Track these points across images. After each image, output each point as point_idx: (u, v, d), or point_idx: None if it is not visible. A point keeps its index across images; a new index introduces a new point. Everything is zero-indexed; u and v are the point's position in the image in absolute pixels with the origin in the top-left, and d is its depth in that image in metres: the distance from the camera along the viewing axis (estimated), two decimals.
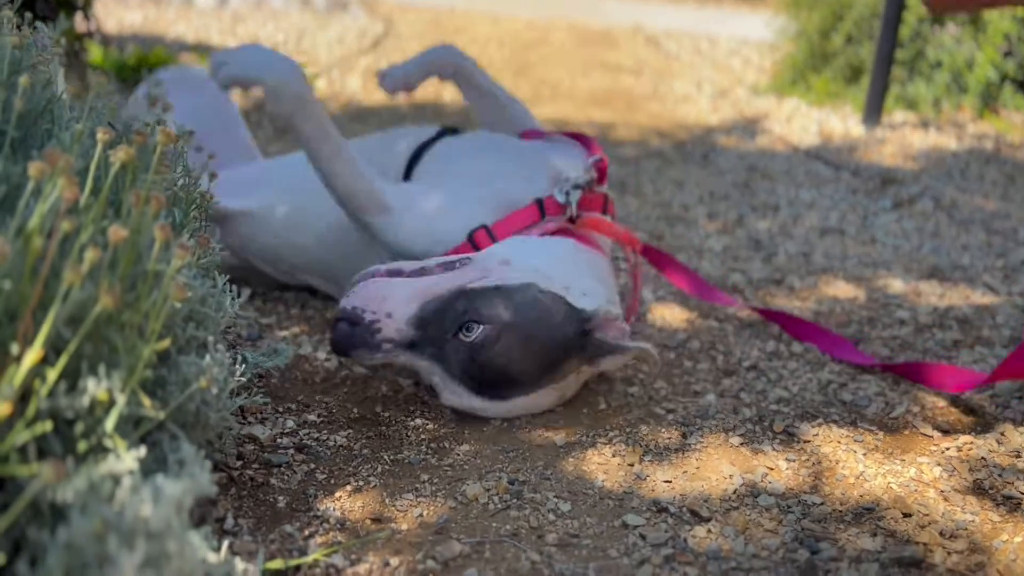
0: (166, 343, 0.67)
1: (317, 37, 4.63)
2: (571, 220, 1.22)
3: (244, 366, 0.86)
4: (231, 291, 0.88)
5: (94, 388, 0.62)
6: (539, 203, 1.22)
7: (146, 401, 0.64)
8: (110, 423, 0.62)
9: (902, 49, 3.39)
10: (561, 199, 1.22)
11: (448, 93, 3.42)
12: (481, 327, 1.03)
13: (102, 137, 0.68)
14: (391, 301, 1.04)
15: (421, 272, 1.10)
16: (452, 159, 1.31)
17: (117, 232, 0.61)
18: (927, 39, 3.41)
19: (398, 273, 1.09)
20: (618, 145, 2.76)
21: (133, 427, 0.69)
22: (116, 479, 0.59)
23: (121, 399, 0.63)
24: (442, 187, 1.25)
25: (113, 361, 0.65)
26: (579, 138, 1.36)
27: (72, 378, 0.65)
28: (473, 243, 1.19)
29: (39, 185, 0.63)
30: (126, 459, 0.61)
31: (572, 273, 1.13)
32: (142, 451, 0.63)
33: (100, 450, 0.64)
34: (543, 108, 3.20)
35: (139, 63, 2.97)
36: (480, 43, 4.91)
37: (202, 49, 3.87)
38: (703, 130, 3.07)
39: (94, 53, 2.83)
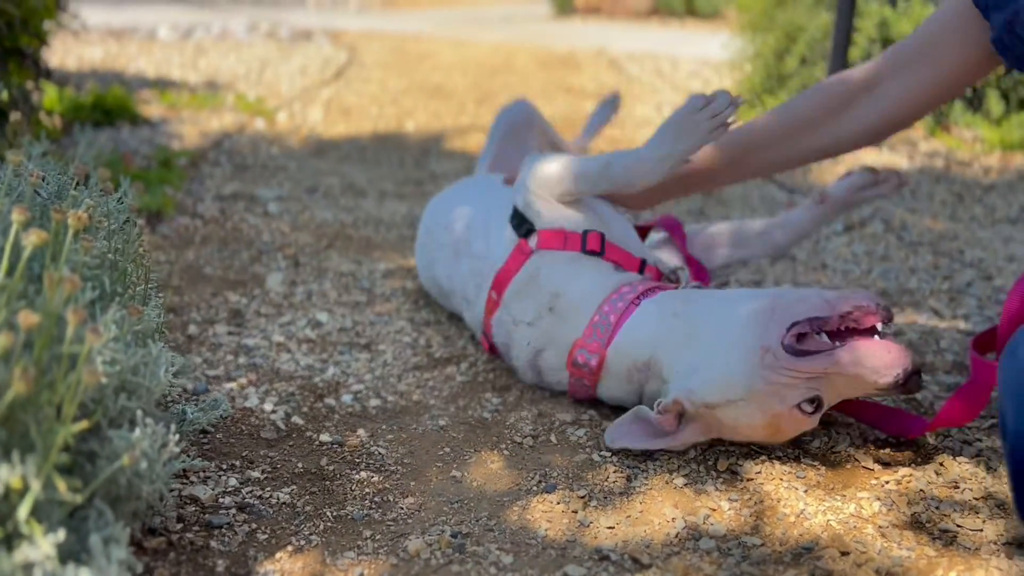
0: (84, 425, 0.67)
1: (280, 68, 4.64)
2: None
3: (179, 435, 0.86)
4: (168, 358, 0.88)
5: (7, 475, 0.61)
6: (643, 263, 1.31)
7: (61, 485, 0.64)
8: (23, 510, 0.62)
9: None
10: (684, 279, 1.32)
11: (412, 123, 3.44)
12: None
13: (18, 218, 0.68)
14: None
15: None
16: None
17: (28, 318, 0.61)
18: None
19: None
20: None
21: (56, 507, 0.69)
22: (29, 568, 0.59)
23: (36, 484, 0.62)
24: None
25: (27, 445, 0.65)
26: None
27: None
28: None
29: None
30: (42, 546, 0.61)
31: None
32: (60, 535, 0.63)
33: (18, 536, 0.64)
34: None
35: (96, 103, 2.96)
36: (444, 70, 4.93)
37: (163, 84, 3.87)
38: None
39: (49, 94, 2.82)
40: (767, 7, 3.94)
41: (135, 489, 0.80)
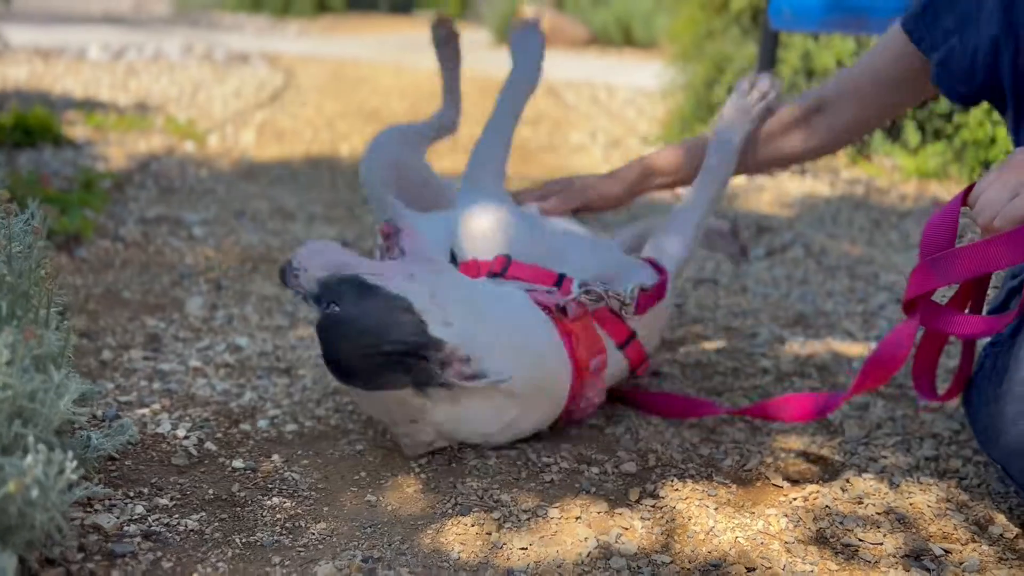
0: None
1: (213, 90, 4.59)
2: (562, 310, 1.23)
3: (78, 461, 0.84)
4: (70, 385, 0.86)
5: None
6: (561, 277, 1.27)
7: None
8: None
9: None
10: (575, 290, 1.25)
11: (345, 147, 3.43)
12: (334, 308, 1.12)
13: None
14: (314, 260, 1.16)
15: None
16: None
17: None
18: (802, 89, 3.59)
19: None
20: None
21: None
22: None
23: None
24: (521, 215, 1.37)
25: None
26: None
27: None
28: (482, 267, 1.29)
29: None
30: None
31: (470, 315, 1.14)
32: None
33: None
34: (441, 162, 3.22)
35: (16, 123, 2.89)
36: (381, 94, 4.94)
37: (89, 105, 3.79)
38: None
39: None
40: (696, 38, 4.04)
41: (27, 518, 0.78)
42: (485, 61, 6.93)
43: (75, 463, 0.83)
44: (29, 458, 0.74)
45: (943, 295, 1.15)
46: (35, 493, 0.74)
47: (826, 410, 1.21)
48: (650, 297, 1.30)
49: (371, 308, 1.12)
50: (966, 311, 1.13)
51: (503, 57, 1.58)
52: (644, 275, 1.34)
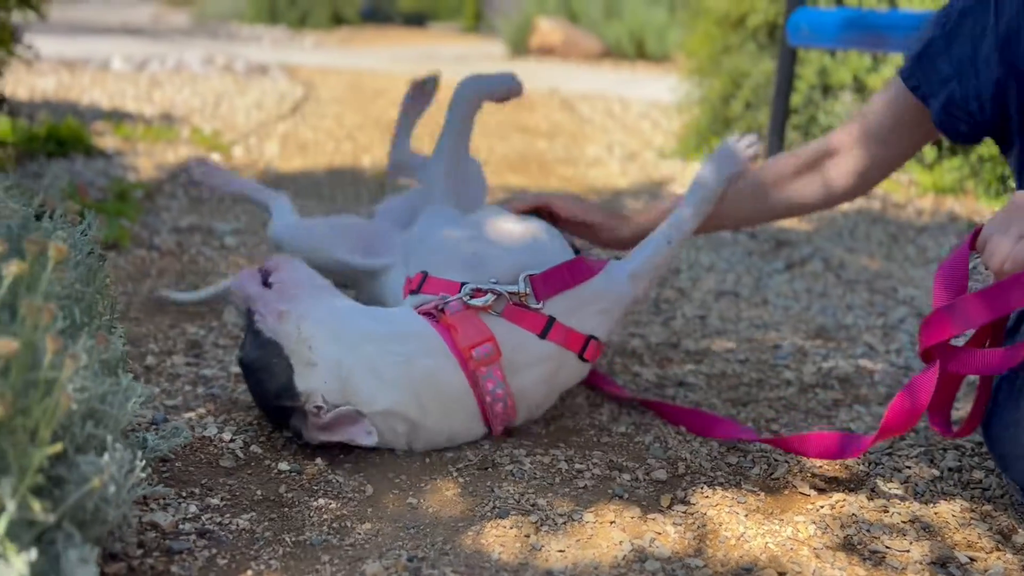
0: (58, 447, 0.69)
1: (236, 102, 4.66)
2: (441, 310, 1.28)
3: (144, 461, 0.88)
4: (137, 387, 0.90)
5: None
6: (463, 285, 1.30)
7: (35, 506, 0.66)
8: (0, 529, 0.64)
9: (796, 115, 3.60)
10: (462, 292, 1.29)
11: (367, 159, 3.48)
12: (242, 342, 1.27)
13: None
14: (240, 287, 1.29)
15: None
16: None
17: (8, 345, 0.64)
18: (819, 105, 3.63)
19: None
20: None
21: (27, 528, 0.71)
22: None
23: (11, 505, 0.65)
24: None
25: (3, 467, 0.67)
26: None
27: None
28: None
29: None
30: (16, 564, 0.64)
31: (354, 358, 1.21)
32: (33, 554, 0.65)
33: None
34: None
35: (49, 134, 2.95)
36: (399, 105, 5.00)
37: (117, 116, 3.86)
38: (612, 193, 3.19)
39: (2, 125, 2.81)
40: (713, 53, 4.09)
41: (101, 514, 0.82)
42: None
43: (143, 462, 0.87)
44: (106, 456, 0.78)
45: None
46: (112, 490, 0.78)
47: (848, 453, 1.23)
48: (554, 281, 1.31)
49: (256, 356, 1.23)
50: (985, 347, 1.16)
51: (516, 70, 1.62)
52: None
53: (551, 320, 1.30)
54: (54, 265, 0.79)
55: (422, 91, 1.74)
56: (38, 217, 1.09)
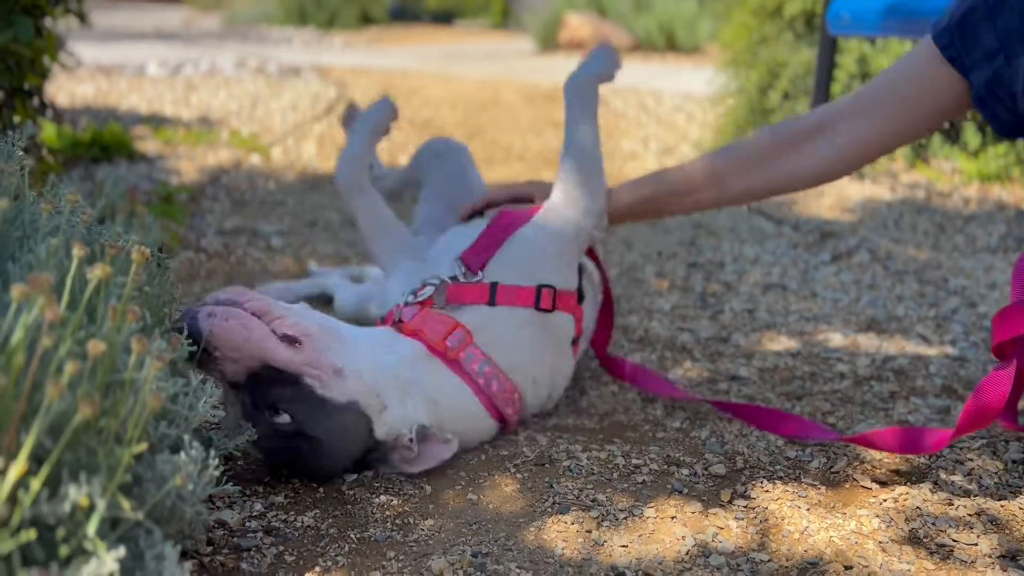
0: (144, 446, 0.71)
1: (271, 104, 4.70)
2: (399, 321, 1.28)
3: (216, 459, 0.89)
4: (206, 388, 0.92)
5: (75, 494, 0.65)
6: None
7: (125, 504, 0.67)
8: (91, 527, 0.66)
9: None
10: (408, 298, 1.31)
11: (404, 157, 3.50)
12: (289, 420, 1.09)
13: (78, 253, 0.73)
14: (225, 338, 1.05)
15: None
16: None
17: (97, 346, 0.65)
18: None
19: (264, 313, 1.11)
20: None
21: (111, 527, 0.73)
22: None
23: (101, 503, 0.66)
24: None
25: (92, 466, 0.68)
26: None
27: (53, 485, 0.68)
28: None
29: (20, 304, 0.67)
30: (107, 561, 0.65)
31: (394, 388, 1.17)
32: (121, 551, 0.67)
33: (81, 553, 0.68)
34: (497, 170, 3.29)
35: (94, 139, 3.00)
36: (433, 105, 5.01)
37: (156, 121, 3.92)
38: None
39: (47, 131, 2.86)
40: (750, 44, 4.05)
41: (178, 511, 0.83)
42: (528, 70, 6.95)
43: (215, 460, 0.89)
44: (183, 455, 0.80)
45: None
46: (190, 487, 0.80)
47: (923, 447, 1.21)
48: (481, 248, 1.34)
49: (333, 427, 1.11)
50: None
51: (546, 65, 1.62)
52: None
53: (494, 285, 1.29)
54: (134, 280, 0.80)
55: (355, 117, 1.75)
56: (100, 221, 1.11)
